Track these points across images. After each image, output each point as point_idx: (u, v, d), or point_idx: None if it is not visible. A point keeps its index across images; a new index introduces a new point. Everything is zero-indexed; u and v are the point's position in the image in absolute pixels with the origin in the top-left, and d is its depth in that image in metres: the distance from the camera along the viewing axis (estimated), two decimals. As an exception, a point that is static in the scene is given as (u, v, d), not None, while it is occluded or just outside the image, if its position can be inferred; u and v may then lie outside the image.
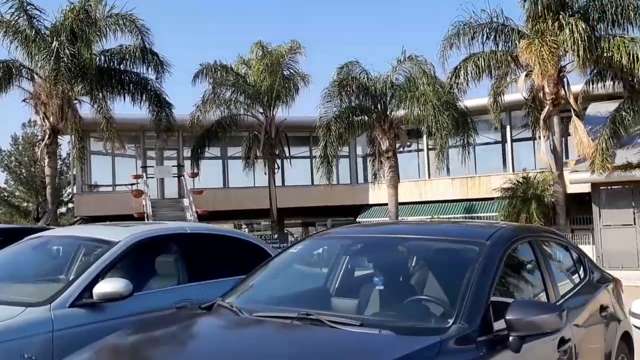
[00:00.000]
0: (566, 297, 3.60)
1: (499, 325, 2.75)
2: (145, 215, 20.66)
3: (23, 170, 40.63)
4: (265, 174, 20.86)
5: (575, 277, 4.09)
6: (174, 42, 58.86)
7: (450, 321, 2.70)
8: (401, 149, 19.32)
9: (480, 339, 2.66)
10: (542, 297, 3.38)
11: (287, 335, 2.82)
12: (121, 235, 4.47)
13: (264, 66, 19.13)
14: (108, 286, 3.93)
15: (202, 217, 20.37)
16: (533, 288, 3.43)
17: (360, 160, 26.61)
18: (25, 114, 47.02)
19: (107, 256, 4.22)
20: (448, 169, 17.44)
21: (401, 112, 18.06)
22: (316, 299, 3.59)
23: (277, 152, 20.61)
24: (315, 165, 18.50)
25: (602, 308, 3.99)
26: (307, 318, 2.88)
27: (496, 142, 23.76)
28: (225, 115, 19.89)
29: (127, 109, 20.17)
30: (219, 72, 18.92)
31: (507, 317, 2.71)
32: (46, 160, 17.70)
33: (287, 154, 21.92)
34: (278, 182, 22.82)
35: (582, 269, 4.23)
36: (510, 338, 2.72)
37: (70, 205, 41.57)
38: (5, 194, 41.45)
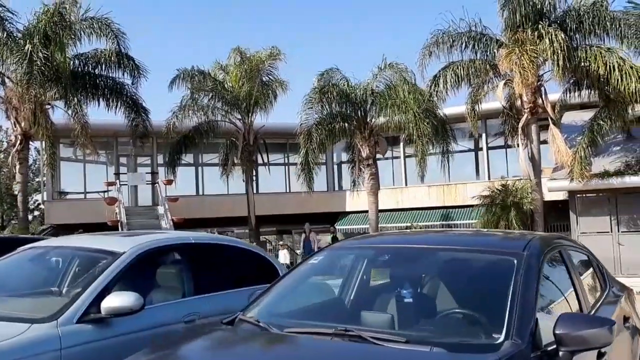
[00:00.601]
0: (597, 307, 3.54)
1: (545, 339, 2.66)
2: (120, 223, 20.18)
3: (-14, 178, 39.38)
4: (244, 180, 20.58)
5: (598, 287, 4.04)
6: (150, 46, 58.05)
7: (501, 337, 2.59)
8: (380, 157, 19.31)
9: (533, 355, 2.55)
10: (575, 307, 3.31)
11: (333, 354, 2.66)
12: (126, 245, 4.25)
13: (242, 72, 18.93)
14: (117, 300, 3.71)
15: (177, 225, 20.00)
16: (567, 299, 3.35)
17: (336, 168, 26.56)
18: (-11, 118, 45.57)
19: (113, 268, 4.00)
20: (423, 177, 17.50)
21: (381, 120, 18.05)
22: (343, 312, 3.45)
23: (255, 159, 20.37)
24: (295, 172, 18.31)
25: (625, 318, 3.95)
26: (346, 334, 2.73)
27: (470, 150, 24.00)
28: (203, 121, 19.59)
29: (99, 114, 19.73)
30: (196, 78, 18.62)
31: (556, 332, 2.60)
32: (17, 167, 17.10)
33: (266, 161, 21.71)
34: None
35: (602, 277, 4.18)
36: (560, 353, 2.62)
37: (36, 213, 40.52)
38: (-33, 201, 40.06)
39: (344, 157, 23.86)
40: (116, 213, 21.44)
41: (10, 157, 17.69)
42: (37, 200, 39.22)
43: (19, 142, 16.88)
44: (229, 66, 20.00)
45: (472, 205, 18.97)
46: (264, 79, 19.43)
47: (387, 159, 23.86)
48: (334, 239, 21.11)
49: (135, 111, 17.86)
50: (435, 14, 39.87)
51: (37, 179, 37.14)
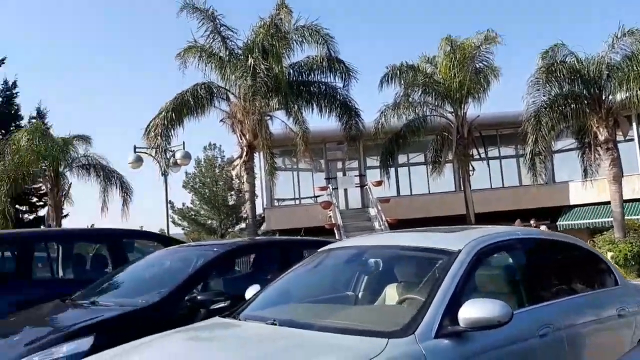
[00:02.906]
0: None
1: None
2: (336, 226, 20.43)
3: (206, 191, 43.43)
4: (460, 176, 19.49)
5: None
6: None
7: None
8: (622, 138, 16.85)
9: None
10: None
11: None
12: (459, 242, 3.54)
13: (453, 62, 17.90)
14: (478, 310, 2.98)
15: (391, 226, 19.64)
16: None
17: (556, 156, 24.08)
18: (205, 138, 50.44)
19: (456, 270, 3.29)
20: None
21: (619, 96, 15.72)
22: None
23: (470, 153, 19.15)
24: (524, 163, 16.74)
25: None
26: None
27: None
28: (413, 118, 18.96)
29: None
30: (409, 73, 18.05)
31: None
32: (244, 177, 18.07)
33: (484, 155, 20.37)
34: (460, 186, 21.44)
35: None
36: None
37: (248, 221, 43.64)
38: (192, 213, 44.56)
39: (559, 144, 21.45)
40: (330, 217, 21.82)
41: (237, 168, 18.74)
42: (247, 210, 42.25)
43: (244, 153, 17.80)
44: (437, 57, 19.11)
45: None
46: (477, 66, 18.17)
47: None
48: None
49: (347, 113, 17.84)
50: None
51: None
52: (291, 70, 17.65)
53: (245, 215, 44.01)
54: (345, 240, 4.71)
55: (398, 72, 18.31)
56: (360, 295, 4.48)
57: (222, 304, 4.61)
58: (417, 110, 19.17)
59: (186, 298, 4.76)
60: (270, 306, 3.95)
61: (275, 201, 24.82)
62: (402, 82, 18.22)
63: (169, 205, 24.17)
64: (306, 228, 20.70)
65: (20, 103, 26.61)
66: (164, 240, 8.11)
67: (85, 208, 67.12)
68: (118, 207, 19.75)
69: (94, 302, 4.95)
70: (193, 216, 44.52)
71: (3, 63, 26.22)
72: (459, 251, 3.43)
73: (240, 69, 16.32)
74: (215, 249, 5.64)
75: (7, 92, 26.09)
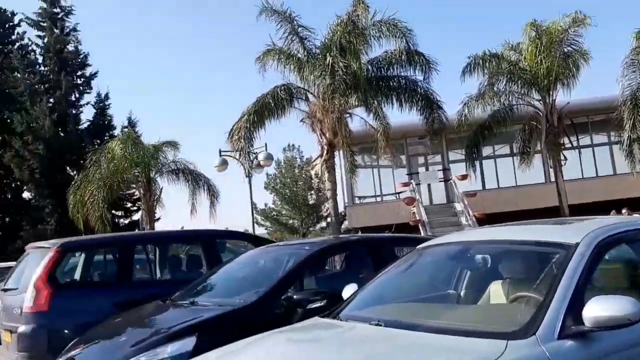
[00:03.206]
0: None
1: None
2: (421, 222, 20.04)
3: (287, 191, 44.05)
4: (551, 167, 18.57)
5: None
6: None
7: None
8: None
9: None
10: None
11: None
12: (576, 235, 3.26)
13: (539, 47, 17.05)
14: (605, 308, 2.71)
15: (479, 221, 18.99)
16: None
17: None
18: (284, 140, 51.18)
19: (575, 265, 3.03)
20: None
21: None
22: None
23: (561, 142, 18.19)
24: (620, 150, 15.72)
25: None
26: None
27: None
28: (498, 108, 18.26)
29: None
30: (492, 62, 17.39)
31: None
32: (326, 175, 18.10)
33: (576, 143, 19.32)
34: (550, 178, 20.44)
35: None
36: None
37: (329, 220, 43.85)
38: (274, 213, 45.34)
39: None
40: (414, 213, 21.43)
41: (317, 167, 18.83)
42: (329, 208, 42.46)
43: (325, 152, 17.81)
44: (521, 44, 18.28)
45: None
46: (565, 50, 17.23)
47: None
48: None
49: (429, 107, 17.44)
50: None
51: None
52: (369, 66, 17.47)
53: (325, 214, 44.39)
54: (446, 236, 4.50)
55: (481, 61, 17.67)
56: (462, 293, 4.28)
57: (318, 304, 4.54)
58: (502, 100, 18.46)
59: (282, 298, 4.73)
60: (370, 306, 3.83)
61: (356, 199, 24.71)
62: (485, 71, 17.58)
63: (252, 206, 24.67)
64: (389, 225, 20.45)
65: (113, 114, 28.06)
66: (254, 240, 8.20)
67: (173, 212, 69.94)
68: (205, 210, 20.35)
69: (193, 302, 5.03)
70: (275, 216, 45.34)
71: (96, 76, 27.74)
72: (577, 244, 3.15)
73: (319, 68, 16.33)
74: (307, 248, 5.59)
75: (101, 104, 27.54)
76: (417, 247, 4.29)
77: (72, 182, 20.04)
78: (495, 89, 17.68)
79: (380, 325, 3.13)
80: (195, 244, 7.74)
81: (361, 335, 3.09)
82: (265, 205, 44.23)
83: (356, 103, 17.15)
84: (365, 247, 5.75)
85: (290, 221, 45.23)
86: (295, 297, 4.69)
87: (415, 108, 17.59)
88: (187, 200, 19.99)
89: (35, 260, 6.28)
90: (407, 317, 3.27)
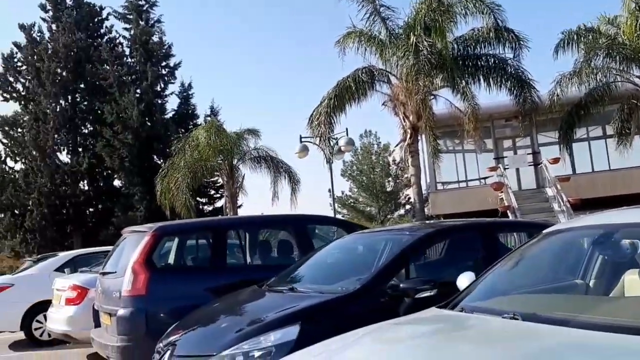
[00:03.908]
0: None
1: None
2: (511, 208, 19.13)
3: (364, 178, 43.72)
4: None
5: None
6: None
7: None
8: None
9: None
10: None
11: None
12: None
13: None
14: None
15: (574, 207, 17.89)
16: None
17: None
18: (359, 126, 50.73)
19: None
20: None
21: None
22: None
23: (666, 122, 16.78)
24: None
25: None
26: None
27: None
28: (595, 86, 17.02)
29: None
30: (589, 36, 16.21)
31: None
32: (409, 160, 17.60)
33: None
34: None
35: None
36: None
37: (407, 207, 43.14)
38: (351, 201, 45.17)
39: None
40: (501, 198, 20.49)
41: (400, 152, 18.34)
42: (407, 195, 41.80)
43: (408, 135, 17.29)
44: (619, 17, 16.93)
45: None
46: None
47: None
48: None
49: (519, 86, 16.50)
50: None
51: (405, 175, 39.46)
52: (455, 45, 16.72)
53: (403, 202, 43.70)
54: (574, 220, 4.04)
55: (575, 36, 16.50)
56: (591, 283, 3.84)
57: (428, 293, 4.20)
58: (598, 77, 17.19)
59: (387, 286, 4.42)
60: (492, 297, 3.45)
61: (440, 184, 23.97)
62: (580, 47, 16.39)
63: (330, 193, 24.55)
64: (475, 212, 19.66)
65: (196, 103, 28.77)
66: (345, 225, 7.94)
67: (253, 198, 71.42)
68: (285, 196, 20.41)
69: (292, 288, 4.82)
70: (352, 204, 45.19)
71: (180, 66, 28.46)
72: None
73: (402, 48, 15.80)
74: (408, 233, 5.25)
75: (184, 94, 28.28)
76: (543, 231, 3.85)
77: (160, 170, 20.63)
78: (592, 65, 16.47)
79: (517, 319, 2.75)
80: (286, 229, 7.59)
81: (502, 330, 2.71)
82: (342, 192, 44.17)
83: (442, 84, 16.50)
84: (477, 233, 5.32)
85: (368, 208, 44.95)
86: (402, 285, 4.36)
87: (504, 88, 16.70)
88: (269, 187, 20.13)
89: (132, 244, 6.31)
90: (544, 310, 2.88)
